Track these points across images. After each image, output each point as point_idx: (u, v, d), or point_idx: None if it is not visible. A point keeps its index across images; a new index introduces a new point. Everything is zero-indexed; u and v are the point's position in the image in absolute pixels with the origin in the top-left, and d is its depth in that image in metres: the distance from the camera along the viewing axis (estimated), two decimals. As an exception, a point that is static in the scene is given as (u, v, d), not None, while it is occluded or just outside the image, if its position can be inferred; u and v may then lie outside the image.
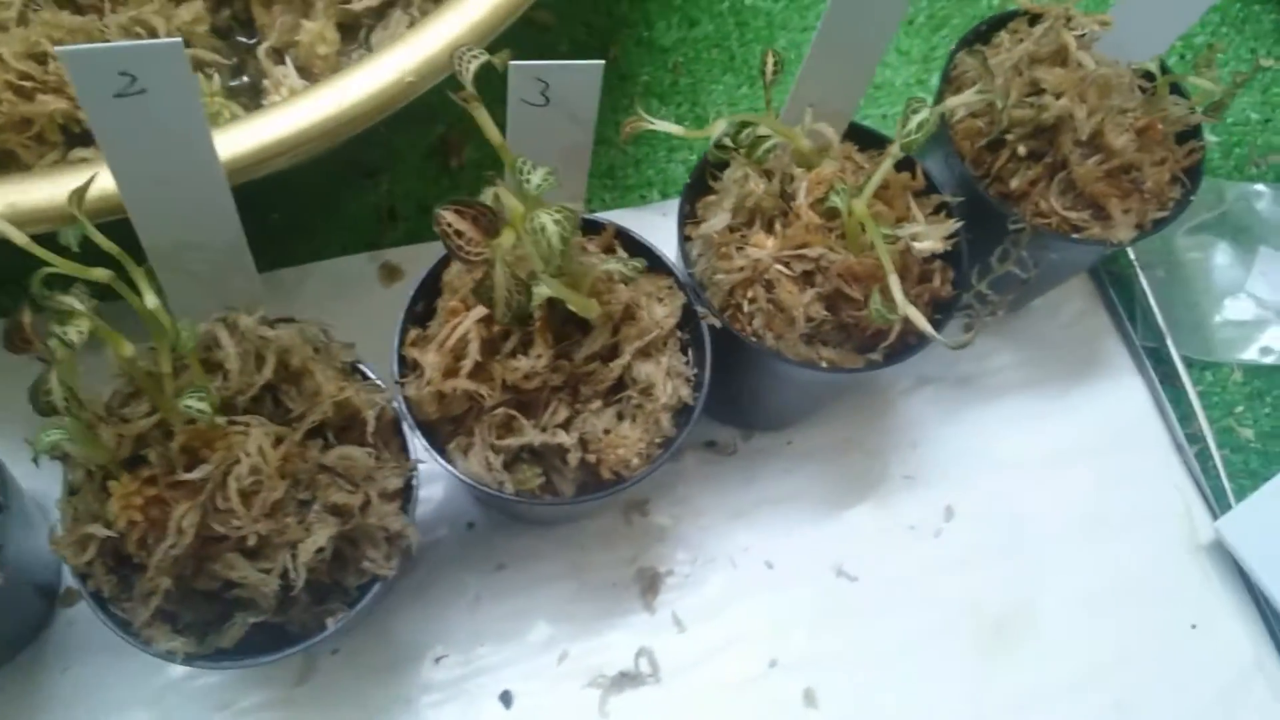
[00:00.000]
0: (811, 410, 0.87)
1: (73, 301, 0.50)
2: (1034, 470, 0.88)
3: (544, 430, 0.66)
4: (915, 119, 0.64)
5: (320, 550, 0.58)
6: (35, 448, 0.54)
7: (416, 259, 0.86)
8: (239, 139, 0.59)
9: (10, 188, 0.61)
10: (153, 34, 0.74)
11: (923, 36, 1.03)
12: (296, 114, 0.61)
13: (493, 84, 0.57)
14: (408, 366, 0.67)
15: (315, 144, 0.61)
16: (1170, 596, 0.85)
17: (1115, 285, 0.95)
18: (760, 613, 0.81)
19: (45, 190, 0.60)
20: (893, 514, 0.85)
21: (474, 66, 0.54)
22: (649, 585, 0.81)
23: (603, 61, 0.59)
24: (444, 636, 0.77)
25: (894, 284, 0.63)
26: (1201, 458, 0.90)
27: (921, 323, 0.62)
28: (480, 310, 0.63)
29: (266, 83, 0.80)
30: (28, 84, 0.72)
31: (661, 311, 0.70)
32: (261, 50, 0.80)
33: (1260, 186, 1.00)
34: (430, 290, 0.69)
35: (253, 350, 0.60)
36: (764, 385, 0.78)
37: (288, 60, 0.80)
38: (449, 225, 0.49)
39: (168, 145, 0.52)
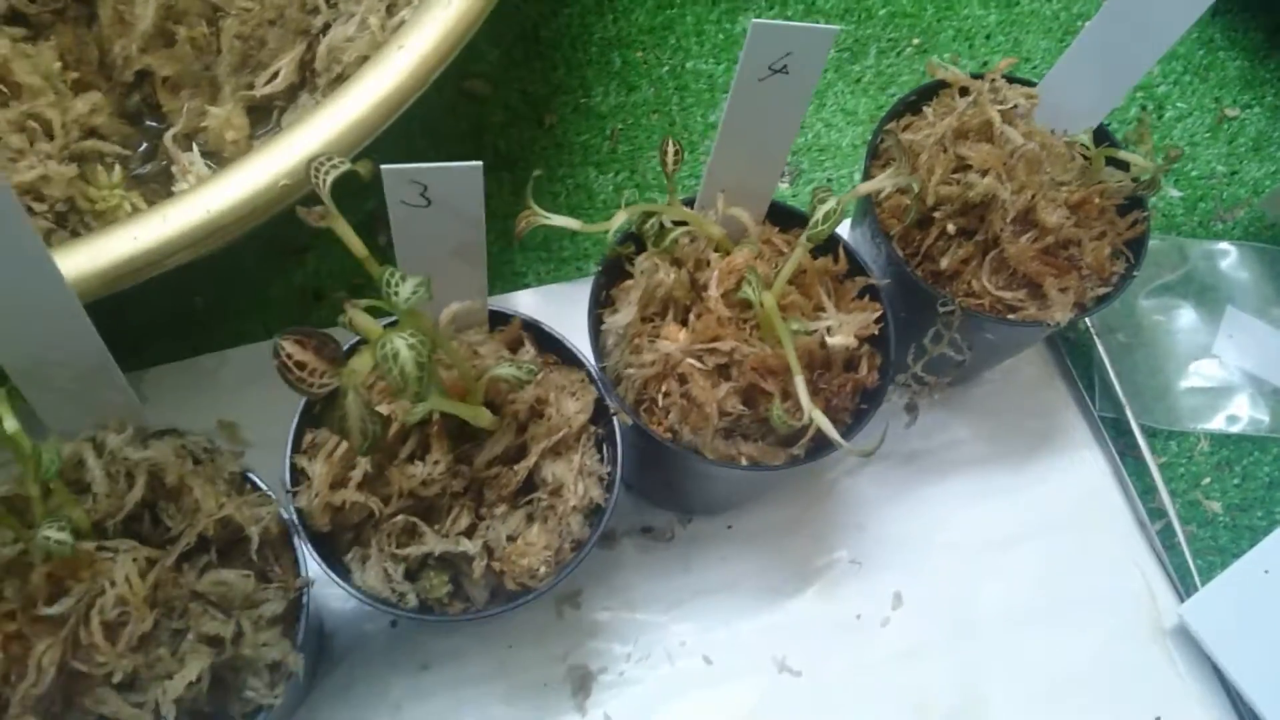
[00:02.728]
0: (749, 497, 0.83)
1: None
2: (987, 551, 0.84)
3: (446, 537, 0.63)
4: (822, 209, 0.61)
5: (195, 683, 0.55)
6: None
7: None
8: (93, 255, 0.57)
9: None
10: (47, 129, 0.72)
11: (870, 95, 1.00)
12: (165, 225, 0.58)
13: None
14: (300, 475, 0.64)
15: (184, 254, 0.59)
16: (1133, 685, 0.81)
17: (1073, 353, 0.91)
18: (698, 713, 0.77)
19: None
20: (838, 602, 0.82)
21: (331, 178, 0.51)
22: (581, 684, 0.77)
23: (480, 164, 0.56)
24: (365, 743, 0.74)
25: (800, 386, 0.59)
26: (1166, 534, 0.86)
27: (828, 429, 0.59)
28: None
29: (175, 169, 0.77)
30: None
31: (573, 407, 0.67)
32: (168, 136, 0.78)
33: (1225, 245, 0.96)
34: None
35: (122, 470, 0.57)
36: (689, 480, 0.75)
37: (195, 146, 0.78)
38: (288, 357, 0.46)
39: (9, 273, 0.49)
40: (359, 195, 0.92)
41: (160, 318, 0.84)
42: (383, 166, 0.55)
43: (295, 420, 0.65)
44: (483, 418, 0.60)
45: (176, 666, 0.55)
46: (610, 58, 1.01)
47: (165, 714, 0.54)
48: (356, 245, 0.54)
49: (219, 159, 0.79)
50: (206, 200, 0.59)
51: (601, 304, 0.72)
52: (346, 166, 0.52)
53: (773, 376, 0.65)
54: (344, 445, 0.62)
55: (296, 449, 0.64)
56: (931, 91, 0.78)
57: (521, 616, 0.79)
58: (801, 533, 0.83)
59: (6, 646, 0.53)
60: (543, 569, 0.64)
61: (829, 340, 0.63)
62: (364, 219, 0.92)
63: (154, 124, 0.81)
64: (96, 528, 0.57)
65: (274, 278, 0.88)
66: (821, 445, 0.67)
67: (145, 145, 0.81)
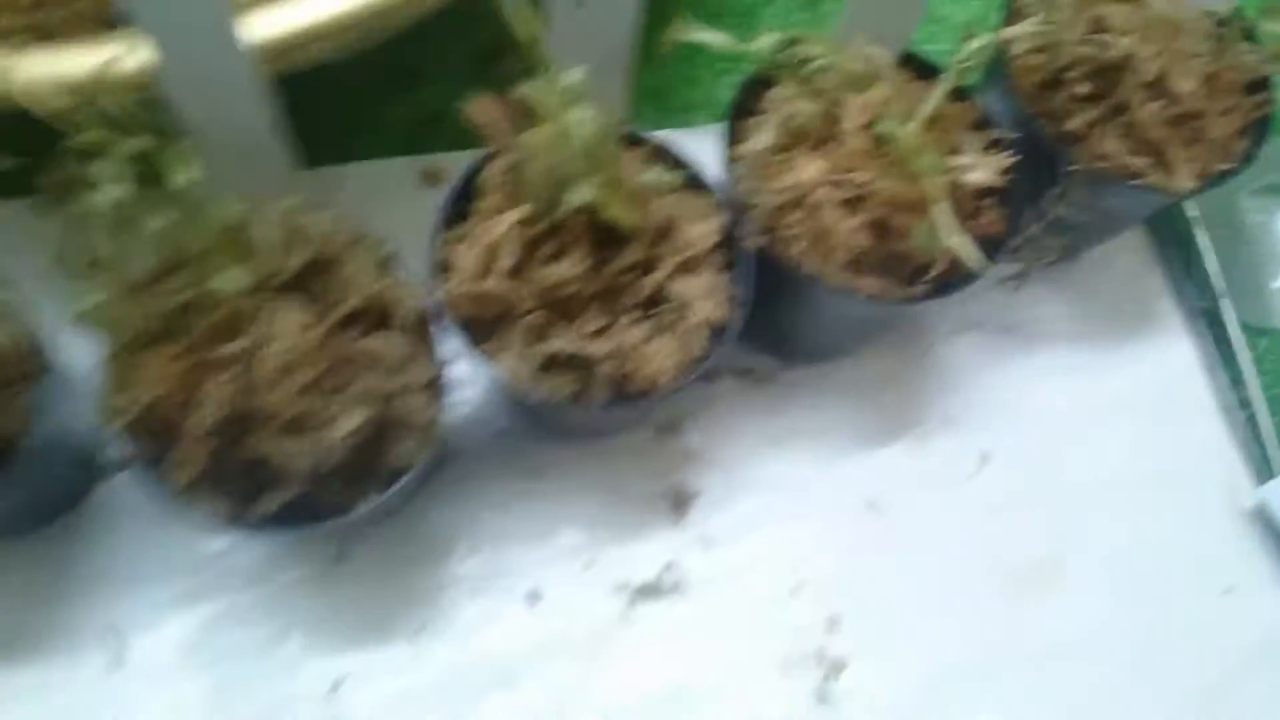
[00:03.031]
0: (852, 345, 0.86)
1: (111, 166, 0.51)
2: (1074, 424, 0.87)
3: (577, 338, 0.66)
4: (970, 46, 0.62)
5: (351, 434, 0.59)
6: (76, 309, 0.54)
7: (458, 165, 0.86)
8: (276, 21, 0.59)
9: (44, 59, 0.61)
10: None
11: (989, -27, 1.01)
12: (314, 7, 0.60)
13: None
14: (442, 266, 0.66)
15: (353, 33, 0.60)
16: (1205, 560, 0.84)
17: (1173, 242, 0.93)
18: (788, 539, 0.81)
19: (81, 61, 0.60)
20: (927, 454, 0.85)
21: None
22: (678, 503, 0.81)
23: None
24: (474, 534, 0.78)
25: (942, 213, 0.61)
26: (1250, 424, 0.88)
27: (968, 253, 0.61)
28: (518, 211, 0.63)
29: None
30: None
31: (702, 229, 0.69)
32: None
33: (1335, 151, 0.97)
34: (469, 193, 0.68)
35: (287, 235, 0.60)
36: (803, 314, 0.78)
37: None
38: (483, 112, 0.49)
39: (195, 26, 0.52)
40: (474, 21, 0.93)
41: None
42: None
43: (439, 214, 0.67)
44: (631, 217, 0.62)
45: (338, 414, 0.58)
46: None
47: (323, 460, 0.58)
48: (527, 28, 0.55)
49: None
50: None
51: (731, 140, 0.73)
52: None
53: (905, 211, 0.67)
54: (490, 237, 0.65)
55: (437, 242, 0.67)
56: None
57: (624, 440, 0.82)
58: (896, 389, 0.86)
59: (181, 381, 0.57)
60: (666, 377, 0.66)
61: (966, 177, 0.65)
62: (481, 47, 0.93)
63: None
64: (258, 288, 0.60)
65: (391, 100, 0.90)
66: (942, 287, 0.69)
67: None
